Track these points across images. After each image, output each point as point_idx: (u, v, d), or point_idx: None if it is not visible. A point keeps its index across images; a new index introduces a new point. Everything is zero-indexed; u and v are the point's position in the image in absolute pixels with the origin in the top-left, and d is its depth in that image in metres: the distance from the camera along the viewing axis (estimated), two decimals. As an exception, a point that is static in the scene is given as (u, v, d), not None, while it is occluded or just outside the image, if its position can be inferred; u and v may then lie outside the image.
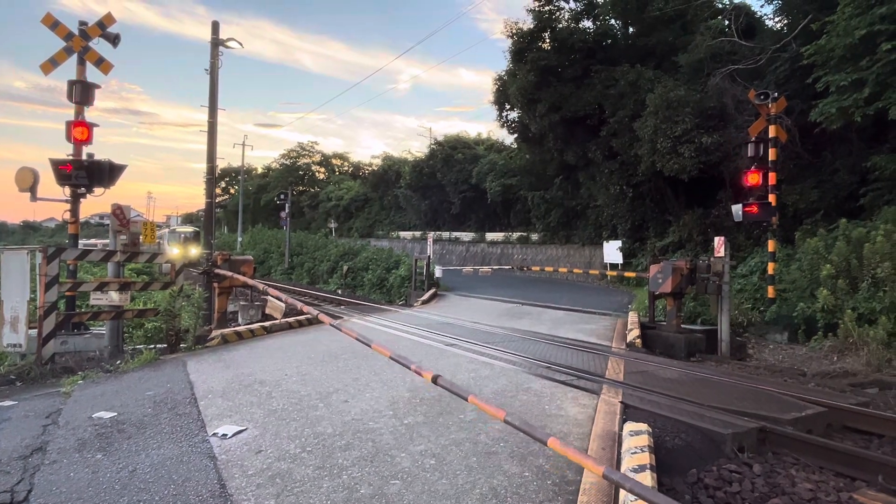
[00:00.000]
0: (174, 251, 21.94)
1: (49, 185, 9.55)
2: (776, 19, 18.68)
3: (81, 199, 9.69)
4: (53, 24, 9.73)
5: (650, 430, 4.20)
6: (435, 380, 3.43)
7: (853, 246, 9.98)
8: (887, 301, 8.93)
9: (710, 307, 10.56)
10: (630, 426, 4.27)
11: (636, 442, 3.86)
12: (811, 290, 10.34)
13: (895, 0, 10.50)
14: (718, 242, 10.04)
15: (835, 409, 5.50)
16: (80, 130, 9.47)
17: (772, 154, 11.74)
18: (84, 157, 9.59)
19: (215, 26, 14.41)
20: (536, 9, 22.21)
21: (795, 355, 9.48)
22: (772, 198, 11.64)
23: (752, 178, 11.61)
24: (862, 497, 3.70)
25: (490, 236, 31.97)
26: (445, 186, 34.98)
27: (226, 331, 9.11)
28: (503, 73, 24.26)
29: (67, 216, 9.74)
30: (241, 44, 14.79)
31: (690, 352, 9.24)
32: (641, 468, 3.38)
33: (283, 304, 11.82)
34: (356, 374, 6.33)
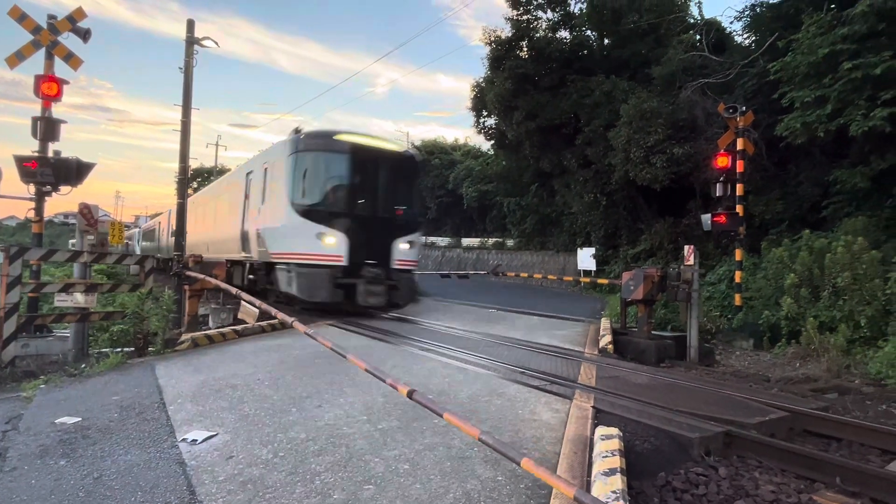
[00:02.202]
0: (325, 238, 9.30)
1: (12, 181, 9.27)
2: (745, 36, 19.35)
3: (47, 198, 9.42)
4: (20, 16, 9.46)
5: (621, 434, 4.27)
6: (410, 395, 3.44)
7: (815, 256, 10.36)
8: (846, 309, 9.30)
9: (680, 314, 10.81)
10: (601, 430, 4.34)
11: (607, 446, 3.93)
12: (776, 298, 10.69)
13: (856, 21, 10.99)
14: (688, 251, 10.29)
15: (796, 413, 5.69)
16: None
17: (739, 166, 12.11)
18: (51, 154, 9.33)
19: (190, 24, 14.18)
20: (514, 17, 22.53)
21: (760, 361, 9.77)
22: (739, 208, 11.99)
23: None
24: (821, 498, 3.84)
25: (466, 241, 32.12)
26: (422, 191, 35.00)
27: (196, 334, 8.93)
28: (481, 79, 24.52)
29: (31, 215, 9.45)
30: (216, 43, 14.58)
31: (660, 357, 9.44)
32: (612, 472, 3.45)
33: (256, 309, 11.66)
34: (330, 378, 6.27)
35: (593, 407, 5.25)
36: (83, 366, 7.26)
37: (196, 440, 4.31)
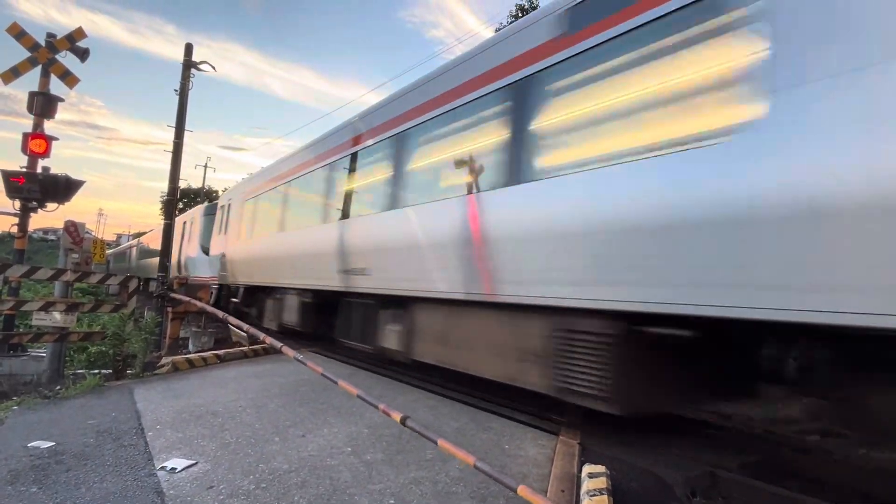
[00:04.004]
0: None
1: (-4, 196, 9.17)
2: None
3: (32, 214, 9.30)
4: (19, 33, 9.51)
5: (608, 472, 4.26)
6: (404, 421, 3.42)
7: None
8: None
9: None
10: (588, 468, 4.32)
11: (595, 484, 3.91)
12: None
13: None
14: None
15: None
16: (37, 143, 9.17)
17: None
18: (39, 170, 9.27)
19: (189, 48, 14.34)
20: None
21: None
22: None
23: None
24: (805, 543, 3.84)
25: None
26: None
27: (177, 358, 8.77)
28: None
29: (14, 230, 9.30)
30: (213, 67, 14.74)
31: (645, 395, 9.41)
32: (600, 511, 3.43)
33: (244, 334, 11.50)
34: (314, 407, 6.18)
35: (580, 444, 5.23)
36: (58, 387, 7.07)
37: (175, 469, 4.20)
